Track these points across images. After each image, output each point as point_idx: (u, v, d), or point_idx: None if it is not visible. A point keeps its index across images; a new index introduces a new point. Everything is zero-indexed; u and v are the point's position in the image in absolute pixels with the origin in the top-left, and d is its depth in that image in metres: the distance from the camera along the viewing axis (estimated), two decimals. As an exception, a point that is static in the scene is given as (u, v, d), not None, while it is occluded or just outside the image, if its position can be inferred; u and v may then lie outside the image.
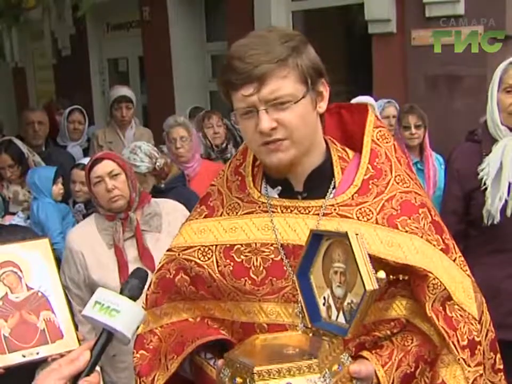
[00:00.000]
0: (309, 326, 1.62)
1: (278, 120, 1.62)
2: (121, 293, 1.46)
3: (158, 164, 4.18)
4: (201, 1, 8.83)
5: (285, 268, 1.69)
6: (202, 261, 1.77)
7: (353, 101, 4.79)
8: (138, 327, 1.48)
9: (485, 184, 3.10)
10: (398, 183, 1.75)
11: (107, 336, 1.43)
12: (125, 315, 1.42)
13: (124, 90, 6.33)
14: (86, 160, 4.19)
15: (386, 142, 1.82)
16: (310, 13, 7.39)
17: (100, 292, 1.48)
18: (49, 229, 4.38)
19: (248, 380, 1.41)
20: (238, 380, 1.43)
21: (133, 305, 1.44)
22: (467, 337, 1.68)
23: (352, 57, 7.19)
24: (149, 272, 3.12)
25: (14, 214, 4.63)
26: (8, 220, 4.39)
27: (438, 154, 4.95)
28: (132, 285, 1.48)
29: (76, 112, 6.44)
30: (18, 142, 4.93)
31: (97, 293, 1.48)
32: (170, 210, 3.45)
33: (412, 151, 4.78)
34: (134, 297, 1.46)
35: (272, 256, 1.71)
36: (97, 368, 3.17)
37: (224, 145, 5.51)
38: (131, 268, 3.16)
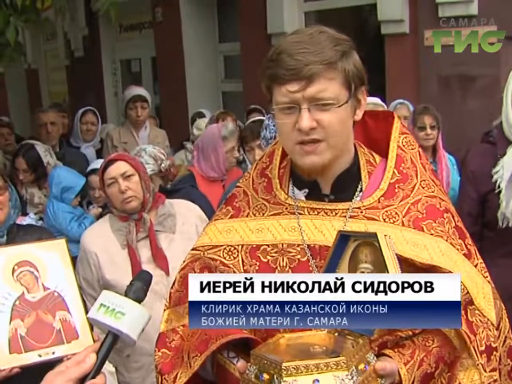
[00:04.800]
0: None
1: (318, 121, 1.63)
2: (126, 295, 1.46)
3: (163, 165, 4.18)
4: (213, 2, 8.85)
5: (311, 268, 1.71)
6: (227, 260, 1.79)
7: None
8: (143, 329, 1.48)
9: (499, 186, 3.08)
10: (423, 188, 1.78)
11: (112, 339, 1.44)
12: (130, 317, 1.43)
13: (139, 90, 6.35)
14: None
15: (412, 149, 1.85)
16: (322, 14, 7.38)
17: (105, 294, 1.48)
18: (61, 230, 4.40)
19: (275, 376, 1.42)
20: (265, 376, 1.44)
21: (138, 308, 1.45)
22: (485, 343, 1.70)
23: (364, 58, 7.15)
24: (163, 272, 3.19)
25: (25, 215, 4.62)
26: (20, 221, 4.39)
27: (450, 155, 4.94)
28: (136, 288, 1.49)
29: (89, 113, 6.46)
30: (40, 149, 4.88)
31: (102, 295, 1.49)
32: (183, 210, 3.46)
33: (425, 152, 4.75)
34: (139, 300, 1.47)
35: (299, 256, 1.73)
36: (112, 369, 3.18)
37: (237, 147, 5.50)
38: (144, 268, 3.14)
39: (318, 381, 1.40)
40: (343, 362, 1.41)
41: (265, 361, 1.45)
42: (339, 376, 1.40)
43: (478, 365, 1.68)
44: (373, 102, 4.92)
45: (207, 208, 3.75)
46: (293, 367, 1.40)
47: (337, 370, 1.41)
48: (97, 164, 4.77)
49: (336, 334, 1.58)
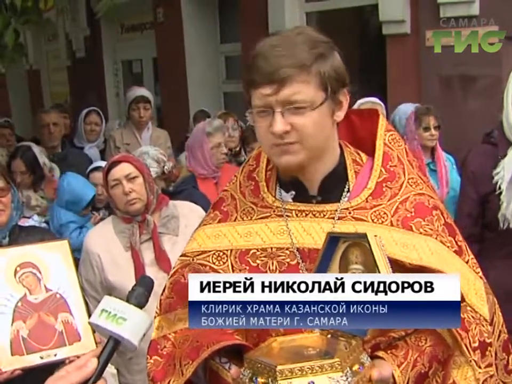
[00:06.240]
0: None
1: (292, 124, 1.63)
2: (127, 301, 1.47)
3: (166, 167, 4.18)
4: (215, 2, 8.85)
5: (301, 271, 1.70)
6: (217, 265, 1.78)
7: (360, 101, 4.77)
8: (144, 335, 1.48)
9: (499, 188, 3.08)
10: (411, 186, 1.77)
11: (114, 344, 1.44)
12: (131, 323, 1.43)
13: (142, 91, 6.35)
14: (103, 163, 4.18)
15: (398, 146, 1.84)
16: (324, 14, 7.38)
17: (107, 300, 1.49)
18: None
19: (270, 380, 1.42)
20: (260, 380, 1.44)
21: (139, 313, 1.45)
22: (478, 339, 1.69)
23: (366, 58, 7.18)
24: (166, 275, 3.19)
25: (28, 218, 4.60)
26: (23, 222, 4.38)
27: (449, 155, 4.95)
28: (138, 293, 1.49)
29: (93, 114, 6.47)
30: (36, 150, 4.87)
31: (104, 301, 1.49)
32: (186, 212, 3.45)
33: (424, 152, 4.78)
34: (140, 305, 1.47)
35: (288, 260, 1.72)
36: (113, 371, 3.18)
37: (238, 148, 5.50)
38: (148, 270, 3.17)
39: (313, 382, 1.40)
40: (338, 363, 1.41)
41: (260, 365, 1.45)
42: (334, 378, 1.40)
43: (470, 361, 1.67)
44: (371, 101, 4.94)
45: (208, 209, 3.75)
46: (287, 370, 1.40)
47: (332, 372, 1.41)
48: (99, 163, 4.77)
49: (328, 336, 1.58)
